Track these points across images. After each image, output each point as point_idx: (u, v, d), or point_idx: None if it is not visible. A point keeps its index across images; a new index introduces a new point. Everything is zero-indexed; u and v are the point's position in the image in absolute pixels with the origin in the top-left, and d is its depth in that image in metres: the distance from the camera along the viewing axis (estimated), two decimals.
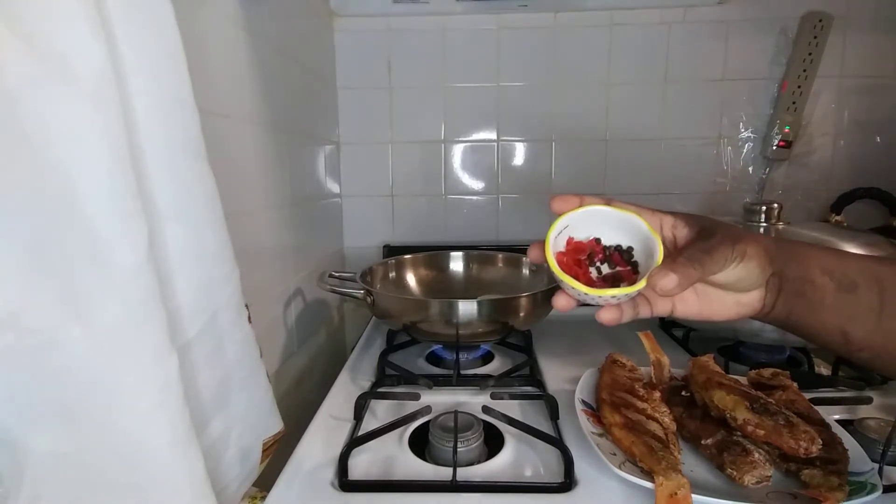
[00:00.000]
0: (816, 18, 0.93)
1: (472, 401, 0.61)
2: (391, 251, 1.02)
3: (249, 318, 0.45)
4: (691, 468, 0.47)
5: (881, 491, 0.40)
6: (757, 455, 0.44)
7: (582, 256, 0.38)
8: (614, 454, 0.46)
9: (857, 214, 0.99)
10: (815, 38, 0.94)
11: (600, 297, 0.35)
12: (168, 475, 0.33)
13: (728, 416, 0.47)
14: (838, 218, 0.98)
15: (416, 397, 0.59)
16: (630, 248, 0.38)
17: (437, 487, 0.45)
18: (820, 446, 0.42)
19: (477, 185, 1.07)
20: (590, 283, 0.37)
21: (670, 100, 1.01)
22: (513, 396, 0.61)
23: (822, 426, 0.48)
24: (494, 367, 0.74)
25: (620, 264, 0.38)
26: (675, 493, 0.39)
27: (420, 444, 0.52)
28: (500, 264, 0.93)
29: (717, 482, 0.45)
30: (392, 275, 0.90)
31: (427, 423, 0.53)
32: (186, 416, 0.33)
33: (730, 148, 1.02)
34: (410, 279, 0.91)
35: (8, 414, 0.28)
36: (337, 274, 0.81)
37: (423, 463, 0.49)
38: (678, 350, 0.77)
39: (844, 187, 0.99)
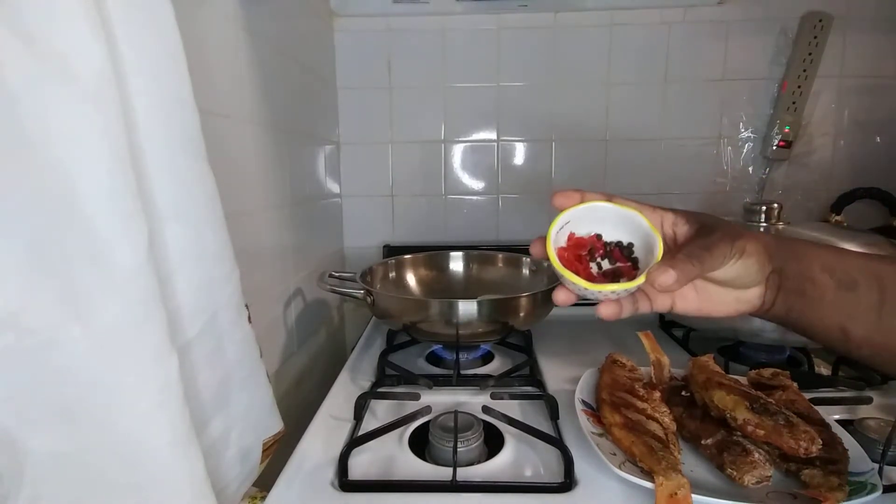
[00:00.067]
0: (816, 18, 0.93)
1: (472, 401, 0.61)
2: (391, 251, 1.02)
3: (249, 318, 0.45)
4: (691, 468, 0.47)
5: (881, 491, 0.40)
6: (757, 455, 0.44)
7: (583, 252, 0.38)
8: (614, 454, 0.46)
9: (857, 214, 0.99)
10: (815, 38, 0.94)
11: (600, 291, 0.36)
12: (168, 475, 0.33)
13: (728, 416, 0.47)
14: (838, 218, 0.98)
15: (416, 397, 0.59)
16: (630, 245, 0.38)
17: (437, 487, 0.45)
18: (820, 446, 0.42)
19: (477, 185, 1.07)
20: (590, 278, 0.37)
21: (670, 100, 1.01)
22: (513, 396, 0.61)
23: (822, 426, 0.48)
24: (494, 367, 0.74)
25: (621, 260, 0.38)
26: (675, 493, 0.39)
27: (420, 444, 0.52)
28: (500, 264, 0.93)
29: (717, 482, 0.45)
30: (392, 275, 0.89)
31: (427, 423, 0.53)
32: (186, 416, 0.33)
33: (730, 148, 1.02)
34: (410, 279, 0.91)
35: (8, 414, 0.28)
36: (337, 274, 0.81)
37: (423, 463, 0.49)
38: (678, 350, 0.77)
39: (844, 187, 0.99)
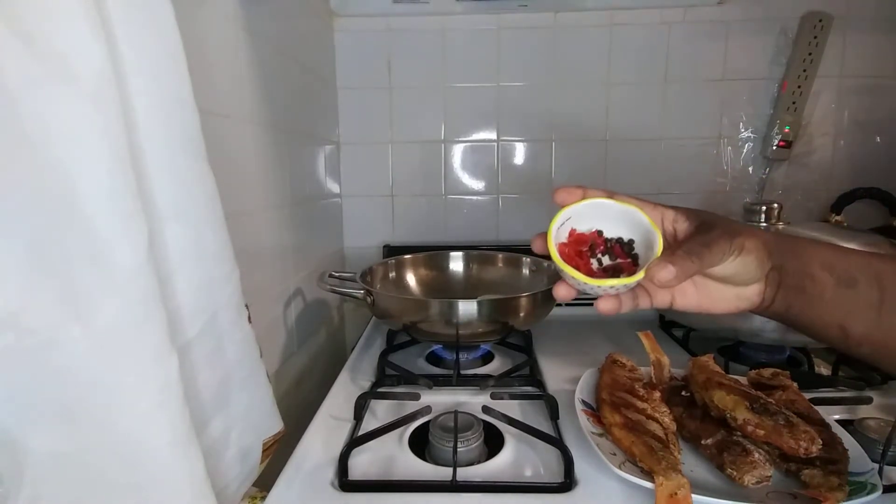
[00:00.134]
0: (816, 18, 0.93)
1: (472, 401, 0.61)
2: (391, 251, 1.02)
3: (249, 318, 0.45)
4: (691, 468, 0.47)
5: (881, 491, 0.40)
6: (757, 455, 0.44)
7: (583, 248, 0.39)
8: (614, 454, 0.46)
9: (857, 214, 0.99)
10: (815, 38, 0.94)
11: (600, 287, 0.36)
12: (168, 475, 0.33)
13: (728, 416, 0.47)
14: (838, 218, 0.98)
15: (416, 397, 0.59)
16: (631, 241, 0.39)
17: (437, 487, 0.45)
18: (820, 446, 0.42)
19: (477, 184, 1.07)
20: (590, 273, 0.37)
21: (670, 100, 1.01)
22: (513, 396, 0.61)
23: (822, 426, 0.48)
24: (494, 367, 0.74)
25: (621, 256, 0.39)
26: (675, 493, 0.39)
27: (420, 444, 0.52)
28: (500, 264, 0.93)
29: (717, 482, 0.45)
30: (392, 275, 0.89)
31: (427, 423, 0.53)
32: (186, 416, 0.33)
33: (730, 148, 1.02)
34: (410, 279, 0.91)
35: (8, 414, 0.28)
36: (337, 274, 0.81)
37: (423, 463, 0.49)
38: (678, 350, 0.77)
39: (844, 187, 0.99)
